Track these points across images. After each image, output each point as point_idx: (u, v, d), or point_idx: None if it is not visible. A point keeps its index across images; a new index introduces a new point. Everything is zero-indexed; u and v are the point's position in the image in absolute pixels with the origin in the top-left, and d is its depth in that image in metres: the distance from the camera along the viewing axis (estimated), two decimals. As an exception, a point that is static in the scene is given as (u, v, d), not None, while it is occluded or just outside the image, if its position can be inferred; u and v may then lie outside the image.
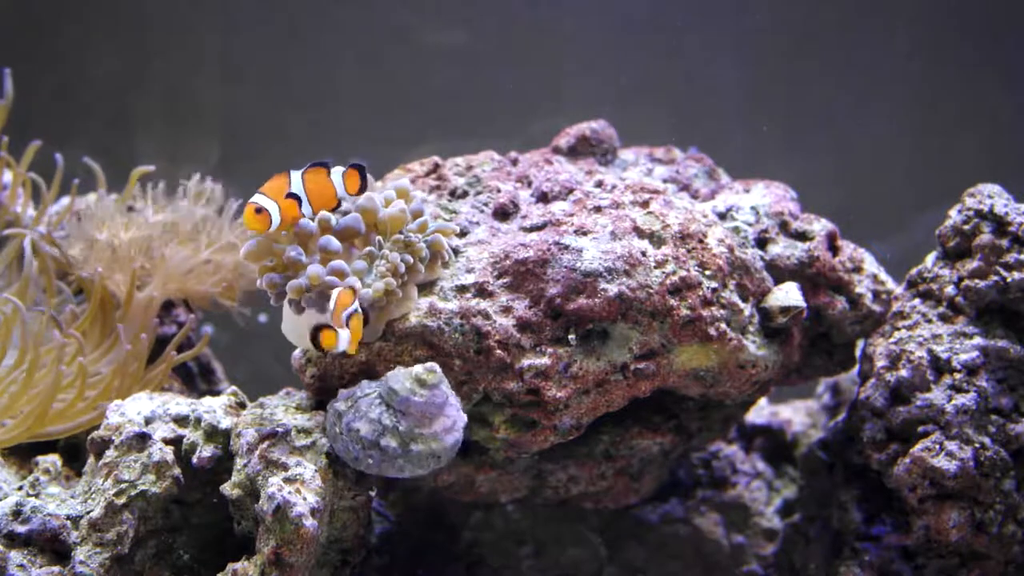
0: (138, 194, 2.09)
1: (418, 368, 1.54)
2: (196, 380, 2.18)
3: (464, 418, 1.58)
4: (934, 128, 3.13)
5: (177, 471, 1.60)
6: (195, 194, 2.06)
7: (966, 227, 1.80)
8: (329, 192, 1.65)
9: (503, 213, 1.80)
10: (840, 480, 1.92)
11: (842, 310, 1.88)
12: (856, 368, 1.95)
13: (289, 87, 3.21)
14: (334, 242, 1.61)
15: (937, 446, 1.69)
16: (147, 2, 3.20)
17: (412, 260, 1.61)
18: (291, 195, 1.60)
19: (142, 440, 1.60)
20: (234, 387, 1.75)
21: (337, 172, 1.66)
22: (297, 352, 1.72)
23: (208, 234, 2.02)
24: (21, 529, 1.54)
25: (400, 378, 1.54)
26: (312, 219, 1.63)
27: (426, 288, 1.67)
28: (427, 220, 1.67)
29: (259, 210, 1.57)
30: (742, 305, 1.74)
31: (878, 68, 3.16)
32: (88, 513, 1.57)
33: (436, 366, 1.55)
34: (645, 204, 1.77)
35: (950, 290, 1.79)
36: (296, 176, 1.63)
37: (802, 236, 1.89)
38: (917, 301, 1.84)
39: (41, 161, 2.10)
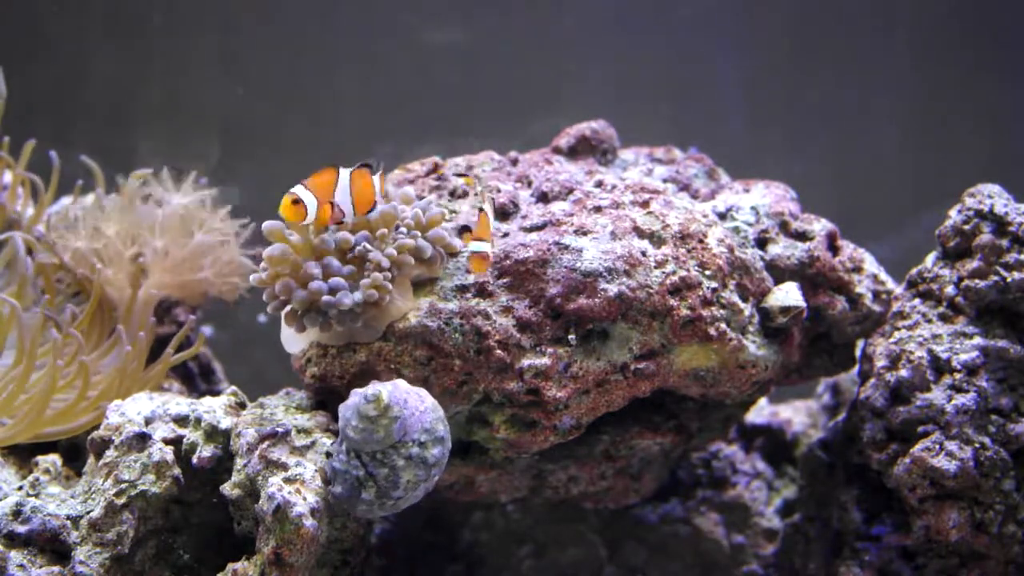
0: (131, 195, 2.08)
1: (361, 403, 1.48)
2: (196, 380, 2.18)
3: (433, 402, 1.53)
4: (934, 128, 3.13)
5: (177, 471, 1.60)
6: (176, 186, 2.05)
7: (966, 227, 1.80)
8: (370, 195, 1.64)
9: (503, 213, 1.80)
10: (840, 480, 1.92)
11: (842, 310, 1.88)
12: (856, 368, 1.95)
13: (289, 87, 3.21)
14: (335, 262, 1.62)
15: (937, 446, 1.69)
16: (147, 2, 3.20)
17: (397, 255, 1.60)
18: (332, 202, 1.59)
19: (142, 440, 1.60)
20: (234, 387, 1.75)
21: (376, 175, 1.65)
22: (297, 352, 1.72)
23: (198, 226, 2.01)
24: (21, 529, 1.54)
25: (352, 422, 1.49)
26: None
27: (427, 288, 1.67)
28: (419, 213, 1.67)
29: (296, 201, 1.57)
30: (742, 305, 1.74)
31: (878, 68, 3.16)
32: (88, 513, 1.57)
33: (380, 389, 1.48)
34: (645, 204, 1.77)
35: (950, 290, 1.79)
36: (344, 177, 1.61)
37: (802, 236, 1.89)
38: (917, 301, 1.84)
39: (42, 161, 2.10)
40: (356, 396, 1.50)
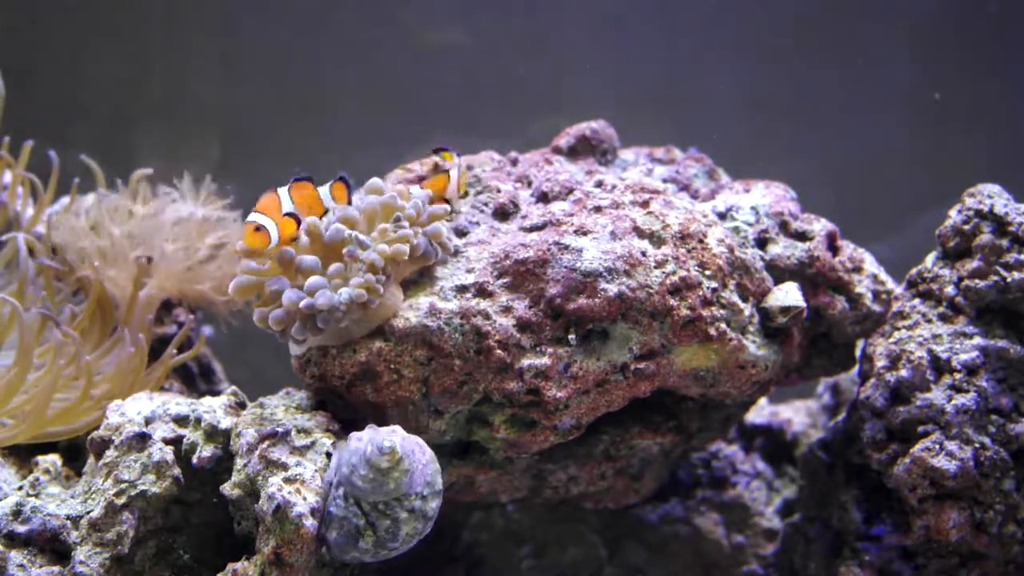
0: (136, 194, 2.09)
1: (373, 455, 1.46)
2: (196, 380, 2.18)
3: (431, 453, 1.53)
4: (934, 128, 3.13)
5: (177, 471, 1.60)
6: (193, 194, 2.06)
7: (966, 227, 1.80)
8: (317, 205, 1.67)
9: (503, 213, 1.80)
10: (840, 480, 1.92)
11: (842, 310, 1.88)
12: (856, 368, 1.95)
13: (289, 87, 3.21)
14: (307, 260, 1.61)
15: (937, 446, 1.69)
16: (147, 2, 3.20)
17: (389, 251, 1.59)
18: (289, 214, 1.62)
19: (142, 440, 1.60)
20: (234, 387, 1.75)
21: (323, 187, 1.69)
22: (297, 352, 1.72)
23: (207, 234, 2.02)
24: (21, 529, 1.54)
25: (360, 471, 1.47)
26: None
27: (427, 287, 1.67)
28: (419, 203, 1.67)
29: (258, 228, 1.59)
30: (742, 305, 1.74)
31: (878, 68, 3.16)
32: (88, 513, 1.57)
33: (394, 441, 1.46)
34: (645, 204, 1.77)
35: (950, 290, 1.79)
36: (284, 193, 1.64)
37: (802, 236, 1.89)
38: (917, 301, 1.84)
39: (42, 162, 2.10)
40: (365, 444, 1.48)
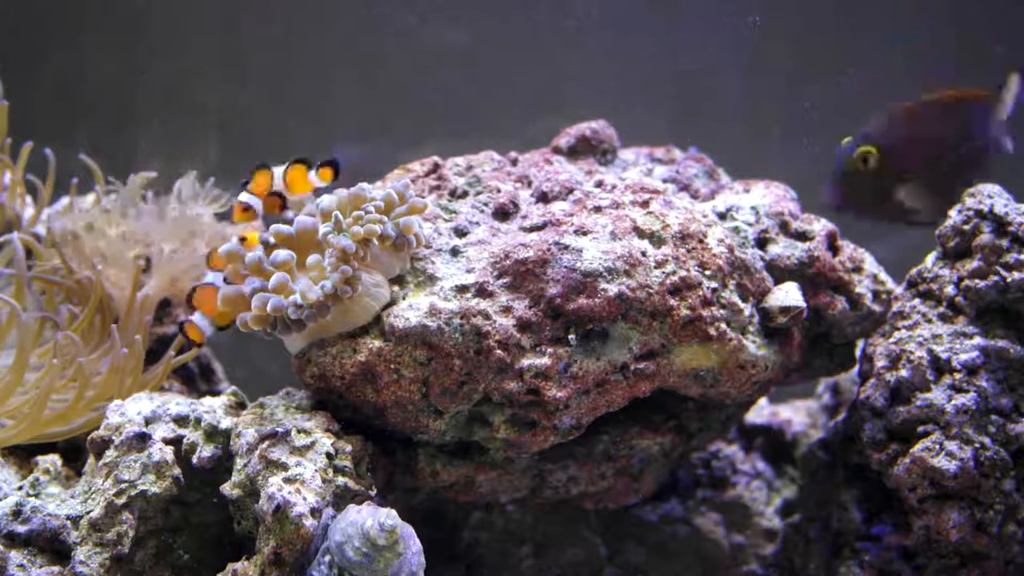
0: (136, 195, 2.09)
1: (373, 529, 1.45)
2: (196, 380, 2.18)
3: (419, 545, 1.51)
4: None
5: (177, 471, 1.60)
6: (193, 195, 2.06)
7: (966, 227, 1.80)
8: (306, 185, 1.83)
9: (503, 213, 1.80)
10: (840, 480, 1.92)
11: (842, 310, 1.88)
12: (856, 368, 1.95)
13: (289, 87, 3.21)
14: (281, 254, 1.62)
15: (937, 446, 1.69)
16: (147, 1, 3.20)
17: (355, 247, 1.59)
18: (274, 193, 1.79)
19: (142, 440, 1.60)
20: (234, 387, 1.76)
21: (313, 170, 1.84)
22: (298, 352, 1.72)
23: (202, 234, 2.02)
24: (21, 529, 1.54)
25: (355, 542, 1.45)
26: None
27: (426, 287, 1.67)
28: (392, 194, 1.67)
29: (246, 208, 1.76)
30: (742, 305, 1.74)
31: (878, 68, 3.16)
32: (88, 513, 1.57)
33: (396, 522, 1.45)
34: (645, 204, 1.77)
35: (950, 290, 1.79)
36: (278, 172, 1.80)
37: (802, 236, 1.89)
38: (917, 301, 1.84)
39: (43, 163, 2.10)
40: (366, 517, 1.46)
